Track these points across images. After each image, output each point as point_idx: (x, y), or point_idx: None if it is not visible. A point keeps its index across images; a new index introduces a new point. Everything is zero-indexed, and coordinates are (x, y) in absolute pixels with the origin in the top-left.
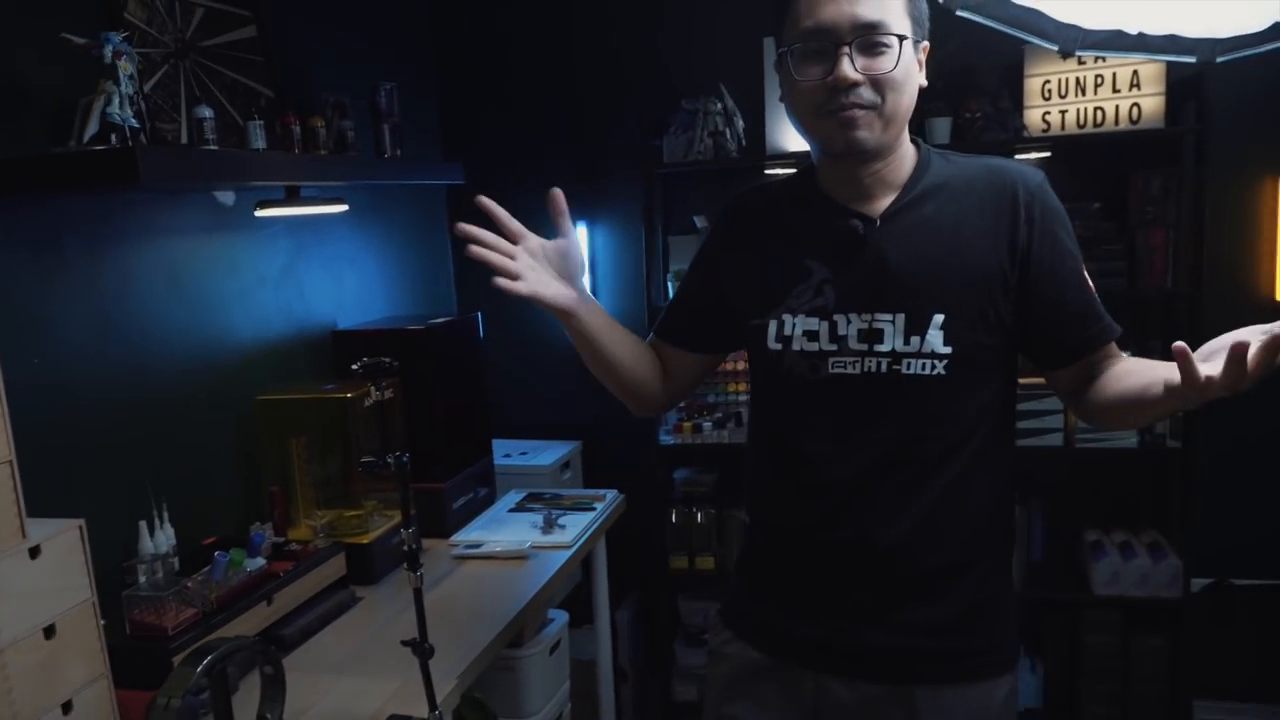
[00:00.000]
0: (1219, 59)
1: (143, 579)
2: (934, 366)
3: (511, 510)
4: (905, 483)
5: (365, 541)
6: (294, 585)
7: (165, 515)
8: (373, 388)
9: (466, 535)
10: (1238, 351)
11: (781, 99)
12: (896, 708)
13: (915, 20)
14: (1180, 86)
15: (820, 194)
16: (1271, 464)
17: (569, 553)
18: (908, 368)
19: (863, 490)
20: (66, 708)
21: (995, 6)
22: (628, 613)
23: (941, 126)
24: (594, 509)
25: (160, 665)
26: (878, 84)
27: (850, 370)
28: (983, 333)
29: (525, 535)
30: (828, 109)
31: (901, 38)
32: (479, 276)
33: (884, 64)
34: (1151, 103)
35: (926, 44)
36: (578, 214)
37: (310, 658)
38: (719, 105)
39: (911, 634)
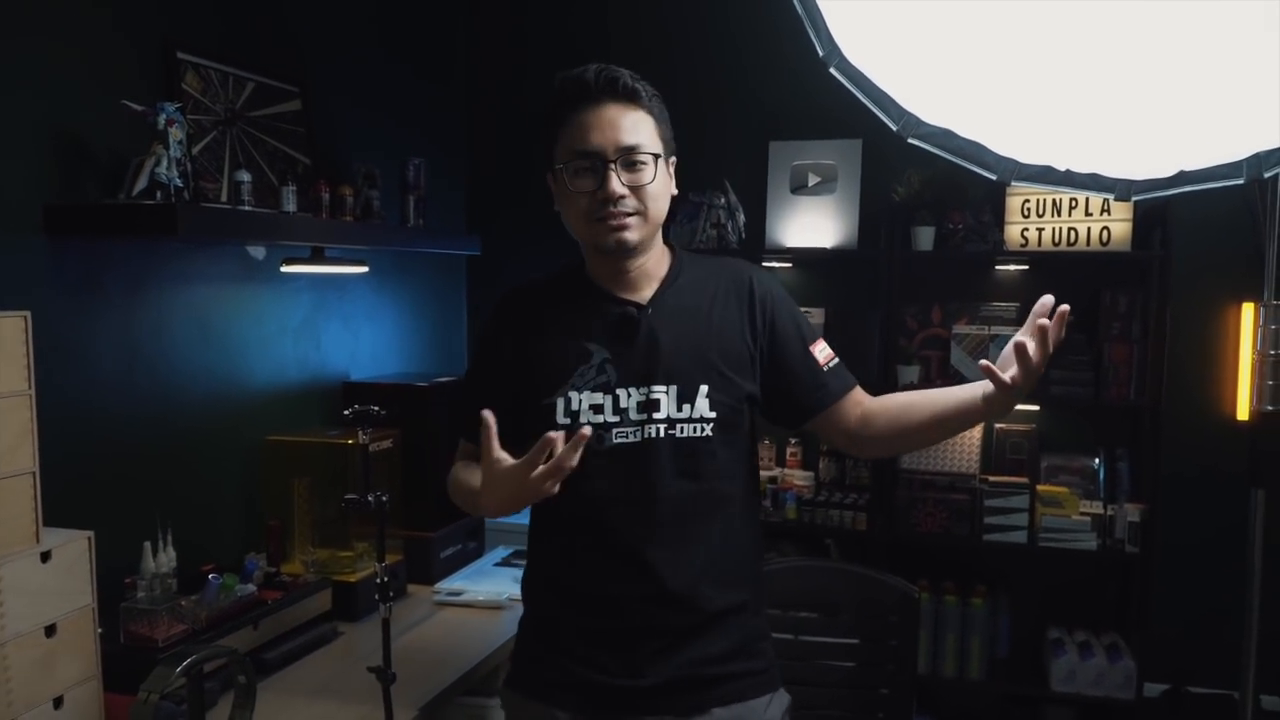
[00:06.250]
0: (1133, 198)
1: (141, 594)
2: (702, 429)
3: (497, 564)
4: (689, 533)
5: (352, 580)
6: (280, 614)
7: (169, 538)
8: (360, 433)
9: (450, 584)
10: (1020, 348)
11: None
12: None
13: (664, 141)
14: (1148, 214)
15: (591, 286)
16: (1227, 574)
17: None
18: (680, 431)
19: (654, 544)
20: (58, 703)
21: (942, 138)
22: None
23: (925, 235)
24: None
25: (147, 672)
26: (639, 194)
27: (631, 439)
28: (736, 399)
29: (505, 588)
30: (598, 216)
31: (656, 156)
32: None
33: (643, 177)
34: (1120, 227)
35: (674, 159)
36: None
37: (287, 682)
38: (723, 200)
39: (701, 666)
